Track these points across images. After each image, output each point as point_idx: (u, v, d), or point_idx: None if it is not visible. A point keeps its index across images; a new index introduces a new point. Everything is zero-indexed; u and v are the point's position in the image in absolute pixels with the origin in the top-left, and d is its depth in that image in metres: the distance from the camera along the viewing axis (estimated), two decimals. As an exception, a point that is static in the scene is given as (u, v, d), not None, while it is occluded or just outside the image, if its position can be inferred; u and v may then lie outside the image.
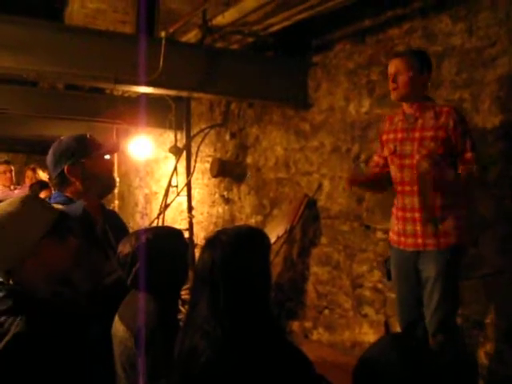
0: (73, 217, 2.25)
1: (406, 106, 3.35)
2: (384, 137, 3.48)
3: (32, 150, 10.42)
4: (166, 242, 2.27)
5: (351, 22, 4.58)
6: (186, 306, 1.99)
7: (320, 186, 5.02)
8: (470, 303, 3.70)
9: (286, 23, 4.57)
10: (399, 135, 3.35)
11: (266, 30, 4.81)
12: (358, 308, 4.59)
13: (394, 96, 3.32)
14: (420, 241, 3.25)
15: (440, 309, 3.22)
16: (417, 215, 3.25)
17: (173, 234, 2.42)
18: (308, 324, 5.11)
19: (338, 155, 4.82)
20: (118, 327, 2.21)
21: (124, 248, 2.24)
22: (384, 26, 4.31)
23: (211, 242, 1.94)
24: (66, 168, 2.67)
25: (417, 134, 3.25)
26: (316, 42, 5.03)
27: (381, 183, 3.54)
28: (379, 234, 4.39)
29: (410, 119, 3.31)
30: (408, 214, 3.30)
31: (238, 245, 1.89)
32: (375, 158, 3.64)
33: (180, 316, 2.31)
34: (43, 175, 6.84)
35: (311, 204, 5.08)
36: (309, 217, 5.13)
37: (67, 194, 2.70)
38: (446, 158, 3.19)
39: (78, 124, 6.71)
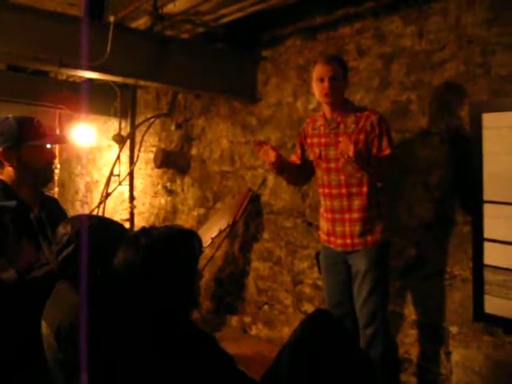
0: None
1: (327, 111, 3.45)
2: (308, 140, 3.59)
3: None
4: (107, 233, 2.17)
5: (303, 17, 4.57)
6: None
7: (264, 181, 5.01)
8: (408, 303, 3.75)
9: (237, 15, 4.51)
10: (323, 140, 3.47)
11: (217, 21, 4.74)
12: (297, 304, 4.60)
13: (327, 99, 3.38)
14: (349, 241, 3.40)
15: (369, 301, 3.35)
16: (346, 216, 3.39)
17: (117, 226, 2.33)
18: (247, 319, 5.09)
19: (283, 151, 4.78)
20: (43, 323, 2.11)
21: (62, 229, 2.14)
22: (336, 24, 4.31)
23: (130, 241, 1.85)
24: (0, 150, 2.55)
25: (340, 139, 3.31)
26: (267, 36, 4.99)
27: (299, 174, 3.69)
28: (321, 232, 4.40)
29: (332, 124, 3.42)
30: (337, 216, 3.44)
31: (156, 250, 1.80)
32: (293, 157, 3.75)
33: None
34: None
35: (255, 199, 5.06)
36: (252, 211, 5.11)
37: (3, 178, 2.59)
38: (368, 159, 3.27)
39: (19, 107, 6.48)
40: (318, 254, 3.77)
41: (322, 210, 3.59)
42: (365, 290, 3.34)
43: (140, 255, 1.77)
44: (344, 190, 3.38)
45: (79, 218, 2.20)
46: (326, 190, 3.47)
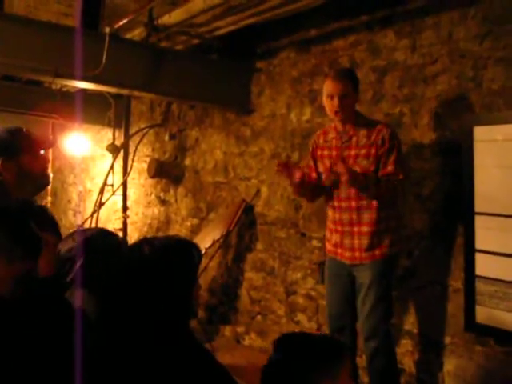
0: None
1: (338, 124, 3.42)
2: (319, 152, 3.55)
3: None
4: (110, 241, 2.21)
5: (298, 30, 4.62)
6: None
7: (258, 192, 5.03)
8: (401, 313, 3.78)
9: (232, 27, 4.56)
10: (334, 152, 3.44)
11: (212, 33, 4.79)
12: (290, 315, 4.62)
13: (337, 117, 3.35)
14: (357, 254, 3.36)
15: (373, 315, 3.32)
16: (355, 229, 3.35)
17: (114, 234, 2.37)
18: (240, 329, 5.11)
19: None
20: None
21: (66, 244, 2.17)
22: (330, 37, 4.36)
23: (133, 250, 1.88)
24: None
25: (352, 152, 3.34)
26: (261, 48, 5.04)
27: (318, 191, 3.59)
28: (315, 242, 4.43)
29: (343, 137, 3.39)
30: (346, 228, 3.40)
31: (158, 260, 1.83)
32: (306, 170, 3.60)
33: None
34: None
35: (248, 209, 5.09)
36: (245, 222, 5.14)
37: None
38: (377, 174, 3.29)
39: (12, 116, 6.50)
40: (321, 264, 3.76)
41: (328, 222, 3.54)
42: (368, 303, 3.32)
43: (143, 264, 1.80)
44: (354, 203, 3.33)
45: (76, 232, 2.23)
46: (335, 203, 3.43)
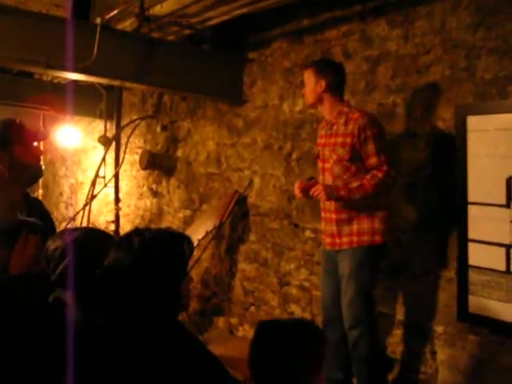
0: None
1: (325, 113, 3.52)
2: (318, 140, 3.65)
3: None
4: (99, 242, 2.17)
5: (290, 20, 4.60)
6: None
7: (251, 183, 5.03)
8: (394, 303, 3.79)
9: (224, 18, 4.54)
10: (323, 140, 3.54)
11: (203, 24, 4.76)
12: (284, 305, 4.63)
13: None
14: (337, 240, 3.42)
15: (353, 305, 3.34)
16: (333, 216, 3.42)
17: (103, 233, 2.33)
18: (234, 320, 5.11)
19: (270, 152, 4.84)
20: None
21: (54, 243, 2.13)
22: (322, 27, 4.35)
23: (123, 241, 1.86)
24: None
25: (332, 140, 3.42)
26: (253, 39, 5.02)
27: None
28: (308, 233, 4.43)
29: (328, 125, 3.48)
30: (327, 215, 3.49)
31: (147, 251, 1.81)
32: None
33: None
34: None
35: (241, 200, 5.08)
36: (238, 213, 5.13)
37: None
38: (356, 163, 3.33)
39: (3, 108, 6.47)
40: None
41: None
42: (348, 295, 3.33)
43: (131, 256, 1.78)
44: None
45: (66, 231, 2.20)
46: None
